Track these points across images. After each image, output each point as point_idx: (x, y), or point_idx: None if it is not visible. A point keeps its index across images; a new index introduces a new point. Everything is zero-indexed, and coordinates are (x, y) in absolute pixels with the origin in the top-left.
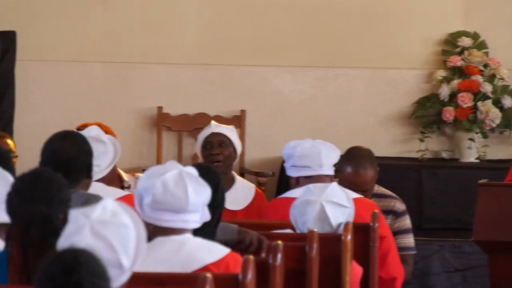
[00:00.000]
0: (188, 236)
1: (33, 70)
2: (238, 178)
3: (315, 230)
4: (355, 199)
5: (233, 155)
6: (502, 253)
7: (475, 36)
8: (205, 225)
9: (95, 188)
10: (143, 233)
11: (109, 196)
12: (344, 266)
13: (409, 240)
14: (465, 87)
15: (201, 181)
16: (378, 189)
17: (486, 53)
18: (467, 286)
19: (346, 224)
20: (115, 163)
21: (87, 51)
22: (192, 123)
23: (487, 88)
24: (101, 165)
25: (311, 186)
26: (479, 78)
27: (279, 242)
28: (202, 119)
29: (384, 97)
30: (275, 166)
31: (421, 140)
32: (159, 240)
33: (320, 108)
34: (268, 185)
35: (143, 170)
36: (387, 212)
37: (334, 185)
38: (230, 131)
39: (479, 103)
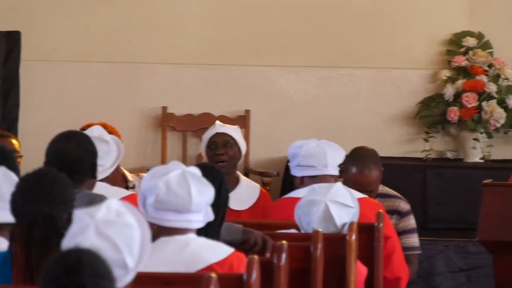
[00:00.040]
0: (192, 236)
1: (37, 70)
2: (242, 178)
3: (320, 230)
4: (359, 199)
5: (238, 155)
6: (507, 253)
7: (479, 36)
8: (208, 225)
9: (99, 188)
10: (148, 233)
11: (113, 196)
12: (349, 266)
13: (414, 240)
14: (470, 87)
15: (204, 181)
16: (383, 189)
17: (491, 53)
18: (471, 286)
19: (351, 224)
20: (118, 163)
21: (91, 51)
22: (197, 123)
23: (492, 88)
24: (104, 165)
25: (315, 186)
26: (483, 78)
27: (284, 242)
28: (207, 119)
29: (388, 97)
30: (279, 166)
31: (426, 140)
32: (162, 240)
33: (324, 108)
34: (273, 185)
35: (147, 170)
36: (392, 212)
37: (339, 185)
38: (234, 131)
39: (484, 103)
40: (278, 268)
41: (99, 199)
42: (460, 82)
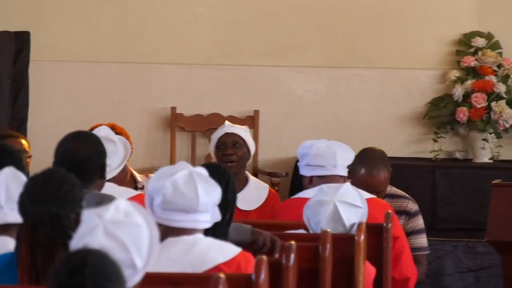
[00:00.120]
0: (199, 236)
1: (46, 70)
2: (251, 178)
3: (328, 230)
4: (368, 200)
5: (247, 156)
6: None
7: (489, 36)
8: (216, 225)
9: (106, 188)
10: (156, 233)
11: (121, 196)
12: (357, 267)
13: (422, 240)
14: (479, 87)
15: (211, 181)
16: (391, 189)
17: (500, 54)
18: (480, 287)
19: (359, 224)
20: (125, 163)
21: (100, 51)
22: (206, 124)
23: (501, 88)
24: (111, 165)
25: (324, 186)
26: (492, 78)
27: (292, 242)
28: (216, 120)
29: (397, 97)
30: (288, 167)
31: (435, 141)
32: (170, 240)
33: (333, 109)
34: (282, 185)
35: (156, 171)
36: (400, 212)
37: (348, 185)
38: (244, 132)
39: (493, 104)
40: (286, 269)
41: (108, 199)
42: (469, 83)
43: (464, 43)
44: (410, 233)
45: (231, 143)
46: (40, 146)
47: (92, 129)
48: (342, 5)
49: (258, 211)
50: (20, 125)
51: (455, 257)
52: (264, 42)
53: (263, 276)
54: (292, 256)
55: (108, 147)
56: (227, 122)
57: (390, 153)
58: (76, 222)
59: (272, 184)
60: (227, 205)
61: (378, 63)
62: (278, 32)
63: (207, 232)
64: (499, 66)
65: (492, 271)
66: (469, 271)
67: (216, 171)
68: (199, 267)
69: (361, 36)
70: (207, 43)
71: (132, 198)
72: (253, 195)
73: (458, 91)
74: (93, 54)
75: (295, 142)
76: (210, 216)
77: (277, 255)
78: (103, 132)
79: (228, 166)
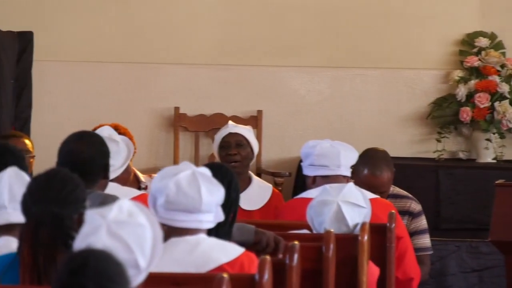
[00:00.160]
0: (202, 236)
1: (50, 70)
2: (255, 178)
3: (332, 230)
4: (371, 200)
5: (250, 156)
6: None
7: (492, 36)
8: (219, 225)
9: (110, 188)
10: (159, 233)
11: (124, 196)
12: (361, 267)
13: (426, 240)
14: (482, 87)
15: (214, 181)
16: (394, 189)
17: (503, 54)
18: (483, 287)
19: (363, 224)
20: (128, 163)
21: (103, 52)
22: (209, 124)
23: (504, 88)
24: (114, 165)
25: (327, 186)
26: (496, 78)
27: (296, 242)
28: (219, 120)
29: (401, 97)
30: (292, 167)
31: (438, 141)
32: (173, 240)
33: (337, 109)
34: (285, 185)
35: (159, 171)
36: (403, 212)
37: (351, 185)
38: (247, 131)
39: (496, 104)
40: (290, 269)
41: (111, 199)
42: (473, 83)
43: (468, 43)
44: (413, 233)
45: (234, 143)
46: (43, 146)
47: (95, 129)
48: (346, 5)
49: (261, 211)
50: (23, 125)
51: (458, 257)
52: (268, 42)
53: (267, 276)
54: (296, 256)
55: (111, 147)
56: (230, 122)
57: (393, 153)
58: (79, 222)
59: (275, 184)
60: (230, 205)
61: (381, 63)
62: (282, 32)
63: (210, 232)
64: (503, 66)
65: (495, 271)
66: (473, 271)
67: (219, 171)
68: (202, 267)
69: (364, 36)
70: (211, 43)
71: (135, 198)
72: (256, 195)
73: (462, 91)
74: (96, 54)
75: (299, 142)
76: (213, 216)
77: (280, 255)
78: (106, 132)
79: (231, 166)
